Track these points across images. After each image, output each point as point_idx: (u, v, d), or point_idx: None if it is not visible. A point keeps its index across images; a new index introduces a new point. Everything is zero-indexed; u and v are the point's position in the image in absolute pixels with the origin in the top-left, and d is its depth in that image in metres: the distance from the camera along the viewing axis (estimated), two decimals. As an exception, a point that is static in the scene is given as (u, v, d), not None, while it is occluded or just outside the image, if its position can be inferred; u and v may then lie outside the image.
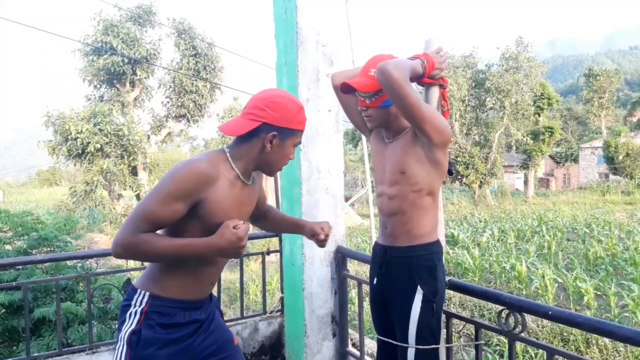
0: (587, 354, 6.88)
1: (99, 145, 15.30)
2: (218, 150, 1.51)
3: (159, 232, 1.43)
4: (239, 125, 1.48)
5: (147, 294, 1.48)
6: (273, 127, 1.47)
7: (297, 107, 1.53)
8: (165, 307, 1.48)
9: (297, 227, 1.92)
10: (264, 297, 3.36)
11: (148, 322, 1.45)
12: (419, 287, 1.72)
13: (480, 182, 28.84)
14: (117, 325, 4.36)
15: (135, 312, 1.47)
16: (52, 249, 4.60)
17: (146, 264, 1.76)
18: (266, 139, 1.47)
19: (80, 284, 4.38)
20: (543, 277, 10.26)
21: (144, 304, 1.47)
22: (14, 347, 3.87)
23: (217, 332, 1.61)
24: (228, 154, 1.50)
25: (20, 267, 3.78)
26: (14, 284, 2.94)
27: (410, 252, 1.76)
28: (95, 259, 4.96)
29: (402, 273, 1.77)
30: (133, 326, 1.45)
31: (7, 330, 3.86)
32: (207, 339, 1.56)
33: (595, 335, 6.64)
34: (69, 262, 4.26)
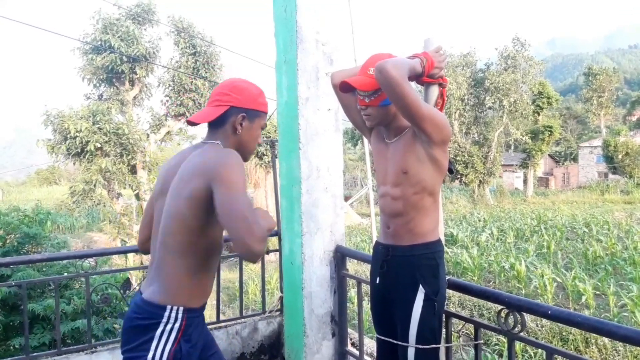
0: (586, 353, 6.89)
1: (98, 145, 15.28)
2: (213, 145, 1.54)
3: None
4: (208, 113, 1.54)
5: (182, 308, 1.41)
6: (241, 109, 1.54)
7: (258, 90, 1.61)
8: (197, 317, 1.47)
9: None
10: (263, 296, 3.36)
11: (185, 337, 1.41)
12: (421, 286, 1.72)
13: (480, 181, 28.86)
14: (115, 324, 4.36)
15: (170, 329, 1.39)
16: (44, 248, 4.64)
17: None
18: (236, 121, 1.54)
19: (76, 282, 4.41)
20: (542, 276, 10.28)
21: (179, 320, 1.40)
22: (10, 344, 3.90)
23: (205, 327, 1.61)
24: (221, 144, 1.53)
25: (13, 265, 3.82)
26: (12, 282, 2.93)
27: (413, 251, 1.76)
28: (94, 258, 4.96)
29: (405, 272, 1.77)
30: (170, 345, 1.39)
31: (3, 327, 3.89)
32: (205, 335, 1.57)
33: (595, 335, 6.65)
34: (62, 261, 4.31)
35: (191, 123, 1.57)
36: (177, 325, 1.40)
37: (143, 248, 1.73)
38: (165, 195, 1.50)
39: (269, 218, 1.53)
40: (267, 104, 1.64)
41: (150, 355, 1.37)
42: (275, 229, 1.55)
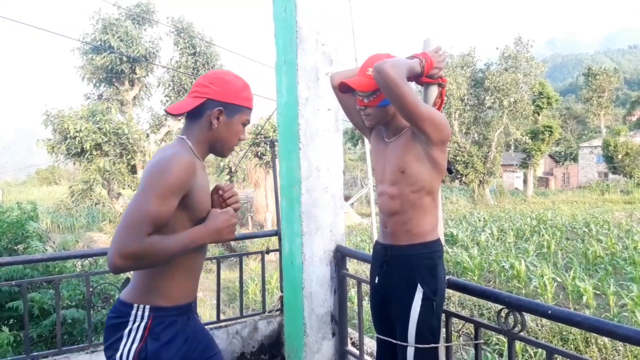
0: (586, 353, 6.90)
1: (94, 143, 15.25)
2: (179, 140, 1.49)
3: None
4: (184, 104, 1.47)
5: (148, 307, 1.42)
6: (218, 103, 1.46)
7: (243, 83, 1.52)
8: (170, 316, 1.44)
9: None
10: (263, 296, 3.36)
11: (152, 336, 1.41)
12: (419, 285, 1.72)
13: (480, 181, 28.87)
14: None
15: (137, 328, 1.41)
16: (28, 244, 4.71)
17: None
18: (212, 115, 1.46)
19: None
20: (542, 276, 10.28)
21: (145, 318, 1.41)
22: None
23: (201, 329, 1.60)
24: (187, 140, 1.48)
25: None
26: (13, 282, 2.94)
27: (411, 251, 1.77)
28: (94, 257, 4.96)
29: (403, 271, 1.77)
30: (137, 344, 1.39)
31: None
32: (196, 336, 1.54)
33: (595, 335, 6.65)
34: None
35: (169, 113, 1.51)
36: (142, 324, 1.41)
37: None
38: None
39: (184, 239, 1.37)
40: (252, 99, 1.55)
41: (118, 354, 1.40)
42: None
